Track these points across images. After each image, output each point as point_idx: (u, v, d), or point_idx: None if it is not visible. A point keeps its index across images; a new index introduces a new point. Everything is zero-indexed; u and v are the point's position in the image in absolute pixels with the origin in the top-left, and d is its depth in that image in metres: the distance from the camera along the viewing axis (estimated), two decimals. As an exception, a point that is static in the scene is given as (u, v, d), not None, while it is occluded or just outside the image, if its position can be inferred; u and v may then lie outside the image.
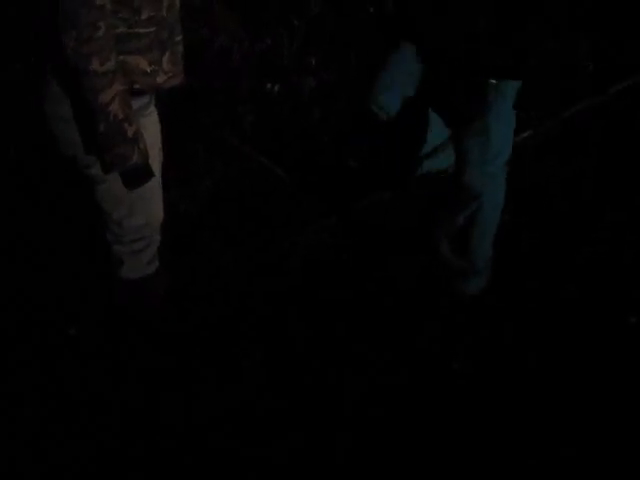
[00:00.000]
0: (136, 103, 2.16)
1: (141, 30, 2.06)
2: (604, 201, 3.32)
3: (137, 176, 2.18)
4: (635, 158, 3.46)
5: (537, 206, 3.31)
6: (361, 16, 3.94)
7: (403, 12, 2.66)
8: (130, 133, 2.11)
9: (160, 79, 2.17)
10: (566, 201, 3.32)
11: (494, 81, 2.58)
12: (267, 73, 3.80)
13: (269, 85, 3.78)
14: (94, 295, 2.77)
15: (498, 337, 2.83)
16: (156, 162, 2.31)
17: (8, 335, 2.71)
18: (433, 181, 3.00)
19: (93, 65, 1.98)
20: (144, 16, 2.06)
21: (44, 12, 2.07)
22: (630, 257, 3.11)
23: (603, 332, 2.83)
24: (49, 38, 2.07)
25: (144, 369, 2.59)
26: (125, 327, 2.60)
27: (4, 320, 2.74)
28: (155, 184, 2.33)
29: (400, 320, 2.88)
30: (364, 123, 2.94)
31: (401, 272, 3.06)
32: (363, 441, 2.51)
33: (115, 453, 2.43)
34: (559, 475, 2.43)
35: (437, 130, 2.82)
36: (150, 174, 2.20)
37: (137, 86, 2.13)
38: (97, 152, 2.15)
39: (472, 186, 2.74)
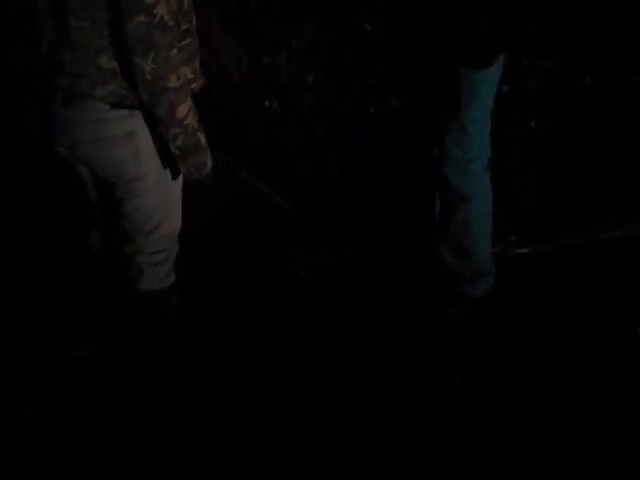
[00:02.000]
0: None
1: (183, 43, 2.15)
2: (608, 204, 3.33)
3: (211, 180, 2.33)
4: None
5: (540, 209, 3.33)
6: (358, 33, 3.96)
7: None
8: (203, 141, 2.24)
9: (195, 85, 2.25)
10: (571, 202, 3.33)
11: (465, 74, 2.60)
12: (267, 92, 3.82)
13: (268, 103, 3.80)
14: (94, 295, 2.77)
15: (500, 339, 2.84)
16: None
17: (8, 335, 2.71)
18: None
19: (171, 82, 2.09)
20: (183, 29, 2.14)
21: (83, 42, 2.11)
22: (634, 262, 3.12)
23: (607, 335, 2.83)
24: (85, 64, 2.12)
25: (144, 369, 2.59)
26: (125, 327, 2.60)
27: (4, 320, 2.75)
28: (180, 193, 2.41)
29: (400, 324, 2.89)
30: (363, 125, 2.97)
31: (400, 275, 3.08)
32: (363, 447, 2.51)
33: (115, 453, 2.43)
34: (559, 475, 2.42)
35: None
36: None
37: None
38: (170, 164, 2.26)
39: (459, 188, 2.76)
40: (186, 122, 2.15)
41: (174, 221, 2.42)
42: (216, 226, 3.27)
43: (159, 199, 2.33)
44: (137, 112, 2.19)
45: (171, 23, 2.05)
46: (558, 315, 2.90)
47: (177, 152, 2.20)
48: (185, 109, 2.14)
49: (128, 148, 2.22)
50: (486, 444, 2.50)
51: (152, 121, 2.18)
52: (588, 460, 2.44)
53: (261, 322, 2.88)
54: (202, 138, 2.23)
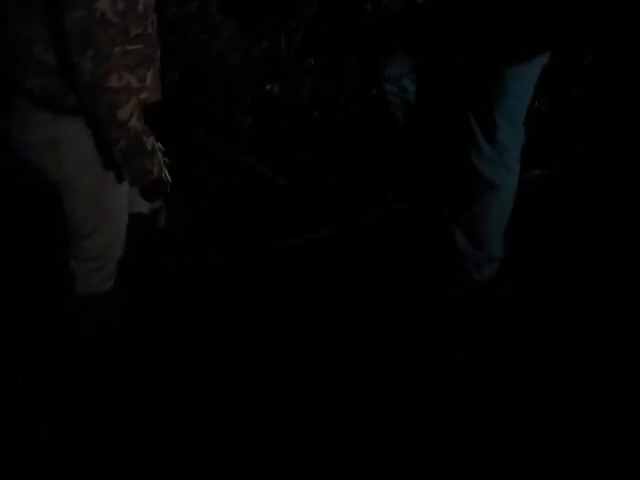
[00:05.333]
0: None
1: (130, 47, 2.04)
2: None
3: (156, 189, 2.24)
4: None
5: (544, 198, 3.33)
6: (358, 15, 3.92)
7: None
8: (149, 146, 2.15)
9: (144, 95, 2.15)
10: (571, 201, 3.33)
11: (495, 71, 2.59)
12: (265, 76, 3.79)
13: (268, 87, 3.77)
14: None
15: (503, 329, 2.85)
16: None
17: (7, 335, 2.72)
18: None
19: (112, 82, 1.98)
20: (132, 33, 2.04)
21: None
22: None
23: (607, 328, 2.83)
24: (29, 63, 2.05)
25: (143, 369, 2.60)
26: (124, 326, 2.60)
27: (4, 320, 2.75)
28: (125, 204, 2.36)
29: (399, 310, 2.91)
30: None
31: (399, 260, 3.09)
32: (365, 443, 2.52)
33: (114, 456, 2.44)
34: (559, 475, 2.43)
35: None
36: (166, 187, 2.25)
37: None
38: (115, 168, 2.19)
39: (489, 177, 2.78)
40: (129, 125, 2.06)
41: (111, 234, 2.37)
42: (212, 217, 3.28)
43: (89, 209, 2.28)
44: (61, 116, 2.12)
45: (115, 20, 1.94)
46: (560, 304, 2.92)
47: (119, 156, 2.12)
48: (127, 111, 2.04)
49: (50, 154, 2.17)
50: (486, 444, 2.50)
51: (93, 124, 2.10)
52: (588, 460, 2.45)
53: (259, 312, 2.89)
54: (148, 143, 2.14)
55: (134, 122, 2.07)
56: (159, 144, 2.24)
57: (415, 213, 3.21)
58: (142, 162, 2.15)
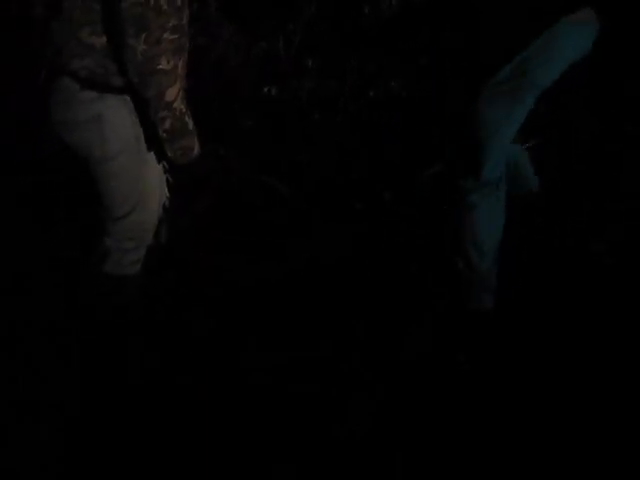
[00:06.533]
0: None
1: (170, 37, 2.13)
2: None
3: (198, 165, 2.33)
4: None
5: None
6: (356, 16, 3.92)
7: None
8: (190, 125, 2.26)
9: None
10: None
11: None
12: (265, 78, 3.80)
13: (266, 89, 3.77)
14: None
15: (503, 329, 2.84)
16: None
17: (7, 335, 2.72)
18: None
19: (162, 64, 2.11)
20: (172, 24, 2.13)
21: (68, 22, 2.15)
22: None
23: (608, 329, 2.83)
24: (72, 45, 2.16)
25: (143, 369, 2.59)
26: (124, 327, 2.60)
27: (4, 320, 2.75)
28: (159, 188, 2.44)
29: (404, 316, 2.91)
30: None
31: (403, 265, 3.08)
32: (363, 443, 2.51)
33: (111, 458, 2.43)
34: (559, 475, 2.43)
35: None
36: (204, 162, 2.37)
37: None
38: (157, 148, 2.29)
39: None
40: (174, 105, 2.18)
41: (146, 214, 2.43)
42: (215, 219, 3.28)
43: (128, 188, 2.35)
44: (107, 95, 2.21)
45: (165, 8, 2.07)
46: (560, 305, 2.91)
47: (164, 135, 2.23)
48: (174, 92, 2.16)
49: (94, 131, 2.25)
50: (486, 444, 2.50)
51: (139, 105, 2.21)
52: (588, 460, 2.44)
53: (259, 312, 2.88)
54: (190, 122, 2.25)
55: (179, 103, 2.19)
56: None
57: (415, 213, 3.21)
58: (185, 140, 2.26)
